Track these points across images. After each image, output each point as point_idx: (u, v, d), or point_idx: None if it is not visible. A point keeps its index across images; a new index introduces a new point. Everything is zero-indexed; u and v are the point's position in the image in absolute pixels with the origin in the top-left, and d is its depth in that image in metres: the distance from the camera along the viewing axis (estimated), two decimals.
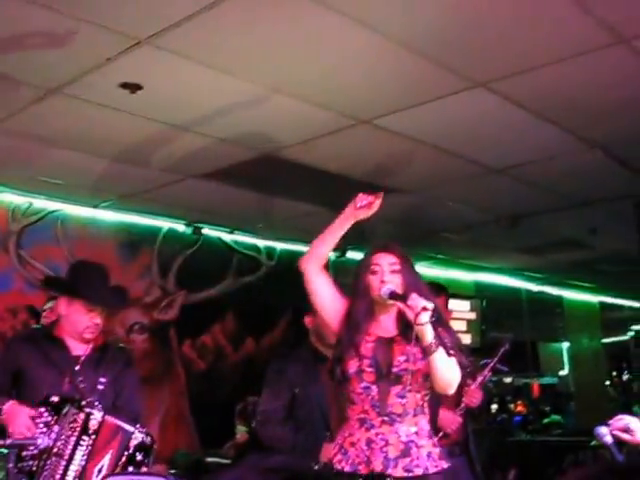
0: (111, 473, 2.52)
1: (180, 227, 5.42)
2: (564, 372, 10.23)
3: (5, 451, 2.44)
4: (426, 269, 6.87)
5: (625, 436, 2.09)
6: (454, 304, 5.67)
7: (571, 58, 2.91)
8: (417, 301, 2.18)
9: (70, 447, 2.49)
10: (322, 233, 2.46)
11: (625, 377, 12.20)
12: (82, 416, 2.52)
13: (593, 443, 5.18)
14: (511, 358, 3.61)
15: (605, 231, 5.87)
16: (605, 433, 2.12)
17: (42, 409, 2.54)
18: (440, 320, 2.32)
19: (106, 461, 2.53)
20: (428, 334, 2.18)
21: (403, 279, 2.33)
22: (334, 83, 3.14)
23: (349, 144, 3.87)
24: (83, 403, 2.55)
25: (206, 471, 4.31)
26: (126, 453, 2.57)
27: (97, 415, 2.53)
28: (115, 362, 2.83)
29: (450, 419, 3.20)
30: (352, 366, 2.32)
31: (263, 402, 3.02)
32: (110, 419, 2.57)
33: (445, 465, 2.27)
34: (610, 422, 2.13)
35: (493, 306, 7.17)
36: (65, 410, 2.53)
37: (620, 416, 2.15)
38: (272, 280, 5.78)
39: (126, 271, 5.05)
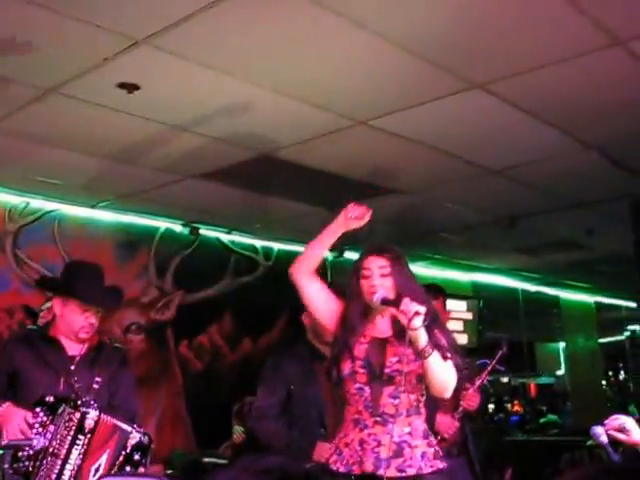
0: (108, 473, 2.52)
1: (177, 227, 5.41)
2: (561, 372, 10.25)
3: (0, 452, 2.44)
4: (423, 269, 6.87)
5: (621, 436, 2.10)
6: (451, 304, 5.67)
7: (568, 60, 2.92)
8: (409, 306, 2.18)
9: (66, 446, 2.49)
10: (312, 241, 2.46)
11: (621, 377, 12.23)
12: (78, 415, 2.52)
13: (589, 443, 5.20)
14: (508, 358, 3.62)
15: (601, 232, 5.89)
16: (601, 433, 2.13)
17: (38, 409, 2.54)
18: (436, 321, 2.32)
19: (103, 461, 2.53)
20: (422, 338, 2.19)
21: (394, 282, 2.33)
22: (332, 84, 3.14)
23: (347, 145, 3.87)
24: (79, 402, 2.55)
25: (203, 471, 4.30)
26: (123, 453, 2.57)
27: (93, 414, 2.53)
28: (110, 362, 2.83)
29: (447, 424, 3.20)
30: (346, 367, 2.34)
31: (258, 398, 3.03)
32: (107, 418, 2.57)
33: (441, 465, 2.27)
34: (606, 422, 2.14)
35: (490, 306, 7.18)
36: (61, 410, 2.53)
37: (615, 416, 2.16)
38: (269, 280, 5.78)
39: (123, 271, 5.05)
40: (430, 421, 2.63)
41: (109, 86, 3.05)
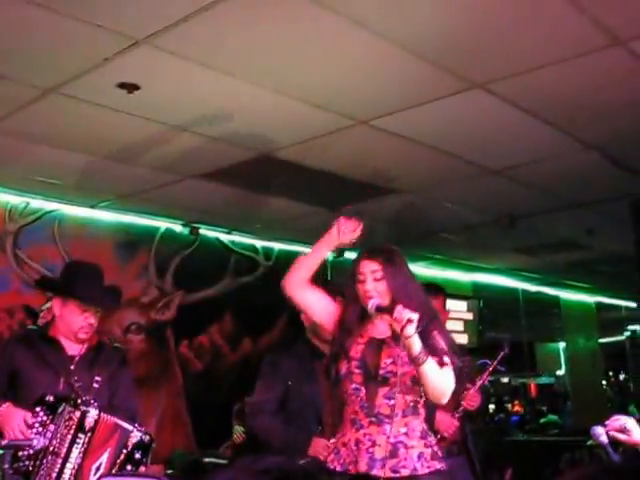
0: (109, 471, 2.53)
1: (177, 227, 5.41)
2: (561, 372, 10.26)
3: (0, 452, 2.44)
4: (424, 269, 6.87)
5: (622, 436, 2.10)
6: (451, 304, 5.66)
7: (568, 60, 2.92)
8: (402, 313, 2.17)
9: (66, 445, 2.50)
10: (302, 257, 2.45)
11: (621, 377, 12.23)
12: (78, 414, 2.53)
13: (589, 443, 5.20)
14: (508, 358, 3.62)
15: (602, 231, 5.89)
16: (601, 433, 2.13)
17: (38, 409, 2.54)
18: (434, 323, 2.32)
19: (104, 459, 2.54)
20: (415, 345, 2.18)
21: (388, 286, 2.33)
22: (333, 84, 3.14)
23: (347, 145, 3.87)
24: (79, 401, 2.56)
25: (203, 471, 4.29)
26: (124, 451, 2.58)
27: (93, 413, 2.54)
28: (110, 361, 2.84)
29: (447, 423, 3.20)
30: (342, 367, 2.35)
31: (256, 393, 3.04)
32: (108, 417, 2.58)
33: (439, 465, 2.26)
34: (607, 423, 2.14)
35: (490, 306, 7.18)
36: (61, 409, 2.54)
37: (616, 416, 2.16)
38: (270, 280, 5.77)
39: (123, 271, 5.05)
40: (430, 420, 2.63)
41: (109, 86, 3.05)
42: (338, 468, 2.29)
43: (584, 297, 9.36)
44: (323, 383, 2.77)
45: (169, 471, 4.29)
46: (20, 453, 2.48)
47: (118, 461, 2.57)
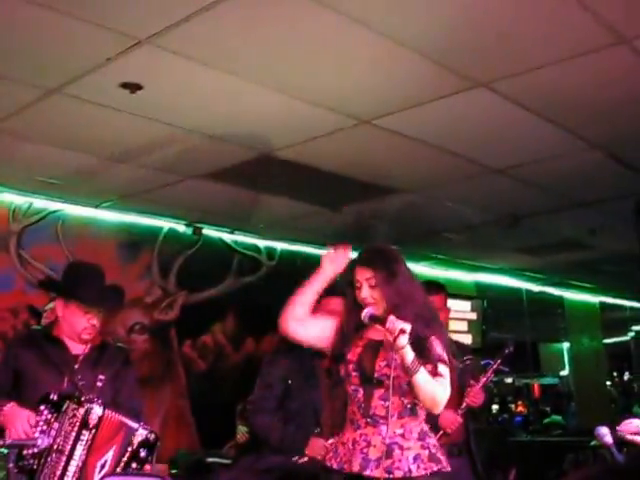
0: (114, 469, 2.54)
1: (180, 227, 5.42)
2: (565, 372, 10.23)
3: (5, 451, 2.45)
4: (427, 269, 6.87)
5: (637, 438, 2.11)
6: (454, 304, 5.66)
7: (572, 58, 2.91)
8: (394, 324, 2.18)
9: (70, 442, 2.51)
10: (297, 294, 2.40)
11: (626, 377, 12.20)
12: (82, 411, 2.54)
13: (593, 443, 5.18)
14: (512, 358, 3.62)
15: (605, 231, 5.87)
16: (605, 433, 2.14)
17: (42, 407, 2.55)
18: (430, 326, 2.32)
19: (109, 457, 2.55)
20: (408, 356, 2.19)
21: (382, 293, 2.33)
22: (335, 83, 3.13)
23: (350, 144, 3.87)
24: (82, 399, 2.56)
25: (207, 471, 4.30)
26: (130, 449, 2.59)
27: (97, 409, 2.55)
28: (113, 361, 2.85)
29: (450, 419, 3.20)
30: (341, 369, 2.39)
31: (255, 391, 3.04)
32: (112, 414, 2.59)
33: (436, 467, 2.25)
34: (620, 427, 2.15)
35: (494, 306, 7.17)
36: (65, 407, 2.54)
37: (629, 420, 2.17)
38: (273, 280, 5.77)
39: (126, 271, 5.05)
40: (433, 419, 2.63)
41: (112, 86, 3.05)
42: (334, 466, 2.32)
43: (588, 297, 9.34)
44: (323, 383, 2.78)
45: (173, 471, 4.29)
46: (25, 452, 2.49)
47: (123, 459, 2.58)
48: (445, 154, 4.05)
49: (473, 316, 6.79)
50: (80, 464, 2.50)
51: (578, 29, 2.70)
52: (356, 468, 2.25)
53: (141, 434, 2.61)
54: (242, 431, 4.65)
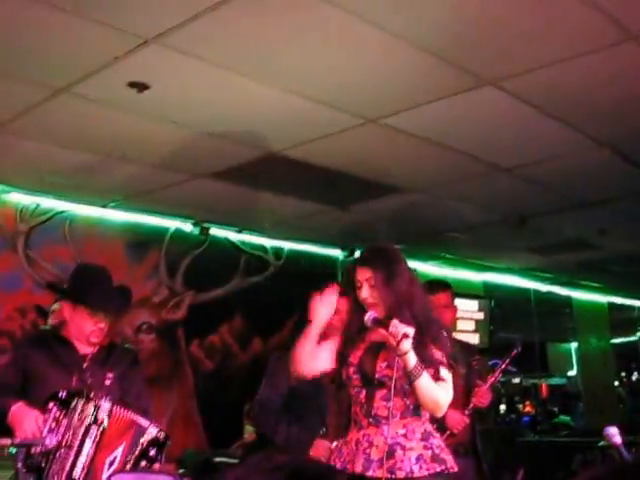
0: (123, 466, 2.54)
1: (187, 227, 5.42)
2: (573, 372, 10.18)
3: (14, 451, 2.46)
4: (434, 269, 6.85)
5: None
6: (462, 304, 5.65)
7: (580, 56, 2.89)
8: (397, 328, 2.18)
9: (79, 438, 2.52)
10: (299, 346, 2.41)
11: (634, 377, 12.14)
12: (90, 407, 2.55)
13: (601, 443, 5.16)
14: (519, 358, 3.60)
15: (614, 231, 5.84)
16: (615, 433, 2.12)
17: (51, 405, 2.55)
18: (432, 328, 2.32)
19: (119, 453, 2.56)
20: (410, 361, 2.19)
21: (381, 294, 2.33)
22: (342, 82, 3.13)
23: (357, 143, 3.86)
24: (91, 395, 2.57)
25: (215, 471, 4.30)
26: (139, 447, 2.59)
27: (106, 405, 2.56)
28: (121, 361, 2.86)
29: (457, 419, 3.19)
30: (343, 372, 2.40)
31: (261, 391, 3.03)
32: (122, 411, 2.60)
33: (439, 468, 2.24)
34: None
35: (501, 306, 7.15)
36: (74, 404, 2.55)
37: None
38: (280, 280, 5.77)
39: (134, 271, 5.06)
40: (440, 418, 2.62)
41: (119, 85, 3.06)
42: (338, 465, 2.33)
43: (596, 297, 9.29)
44: (328, 384, 2.77)
45: (180, 470, 4.29)
46: (33, 450, 2.49)
47: (132, 457, 2.58)
48: (453, 153, 4.03)
49: (480, 316, 6.77)
50: (89, 459, 2.51)
51: (586, 26, 2.68)
52: (359, 469, 2.25)
53: (151, 432, 2.62)
54: (249, 431, 4.65)
